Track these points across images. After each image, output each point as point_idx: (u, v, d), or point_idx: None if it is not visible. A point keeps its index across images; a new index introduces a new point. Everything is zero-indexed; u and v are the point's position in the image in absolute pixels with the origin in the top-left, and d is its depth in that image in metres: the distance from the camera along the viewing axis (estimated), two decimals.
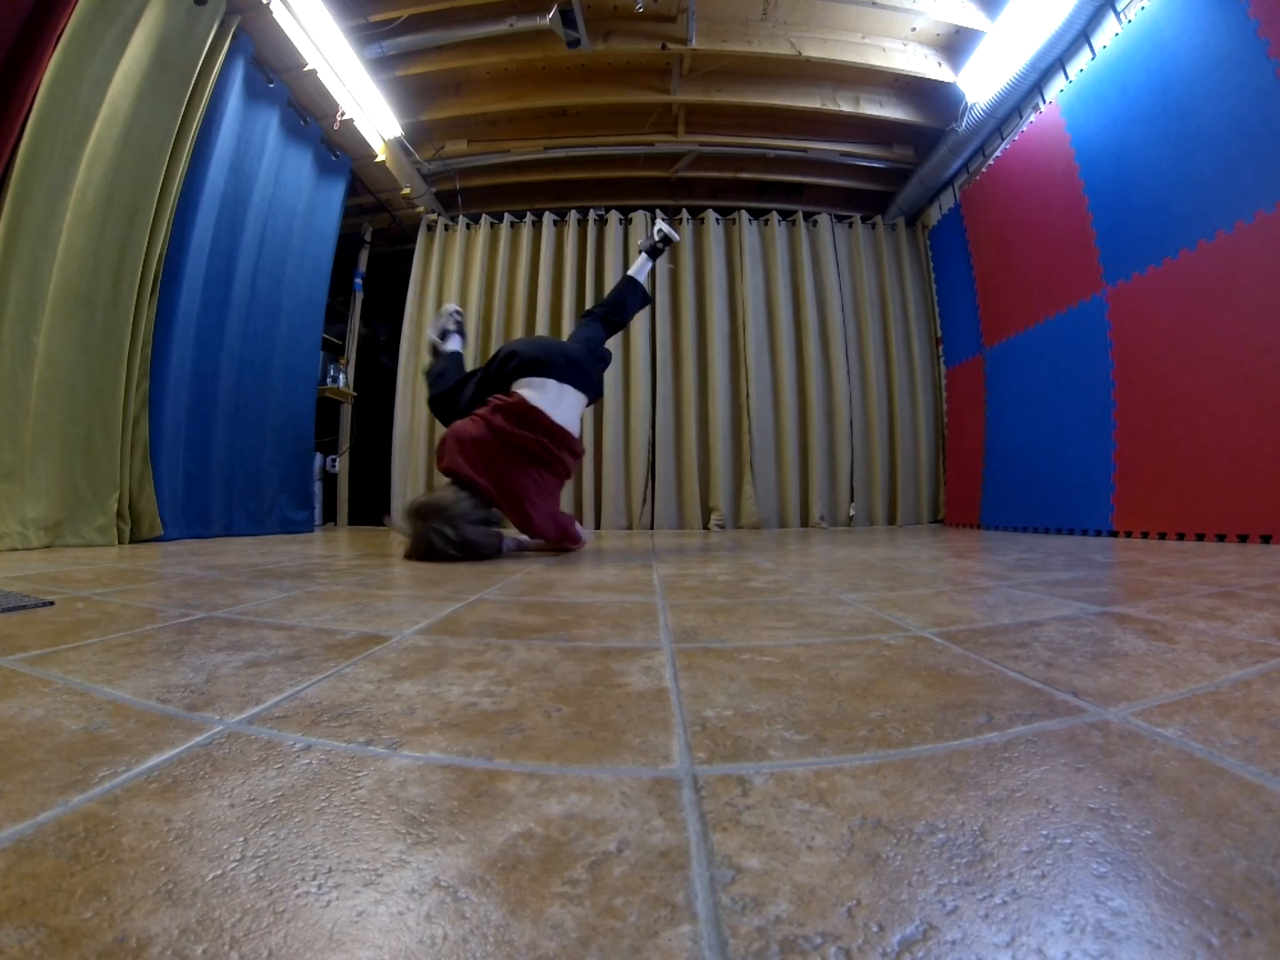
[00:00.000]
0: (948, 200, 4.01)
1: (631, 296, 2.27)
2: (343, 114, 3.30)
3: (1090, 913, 0.23)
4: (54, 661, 0.60)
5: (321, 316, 3.54)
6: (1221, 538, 2.00)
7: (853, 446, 4.09)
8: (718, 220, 4.25)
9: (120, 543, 2.18)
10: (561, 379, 1.86)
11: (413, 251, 4.37)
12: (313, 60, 2.93)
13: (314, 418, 3.51)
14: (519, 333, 4.15)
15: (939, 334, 4.22)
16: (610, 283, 4.15)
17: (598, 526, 3.97)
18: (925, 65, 3.33)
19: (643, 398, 4.03)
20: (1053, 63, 2.96)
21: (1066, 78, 2.88)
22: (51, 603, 0.91)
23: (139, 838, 0.29)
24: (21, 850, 0.28)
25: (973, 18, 3.07)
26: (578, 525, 1.99)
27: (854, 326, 4.22)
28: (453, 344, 2.25)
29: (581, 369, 1.94)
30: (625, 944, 0.22)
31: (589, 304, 4.15)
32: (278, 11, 2.66)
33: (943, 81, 3.36)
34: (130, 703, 0.48)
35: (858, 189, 4.23)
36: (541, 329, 4.14)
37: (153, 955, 0.21)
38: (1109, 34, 2.58)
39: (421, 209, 4.26)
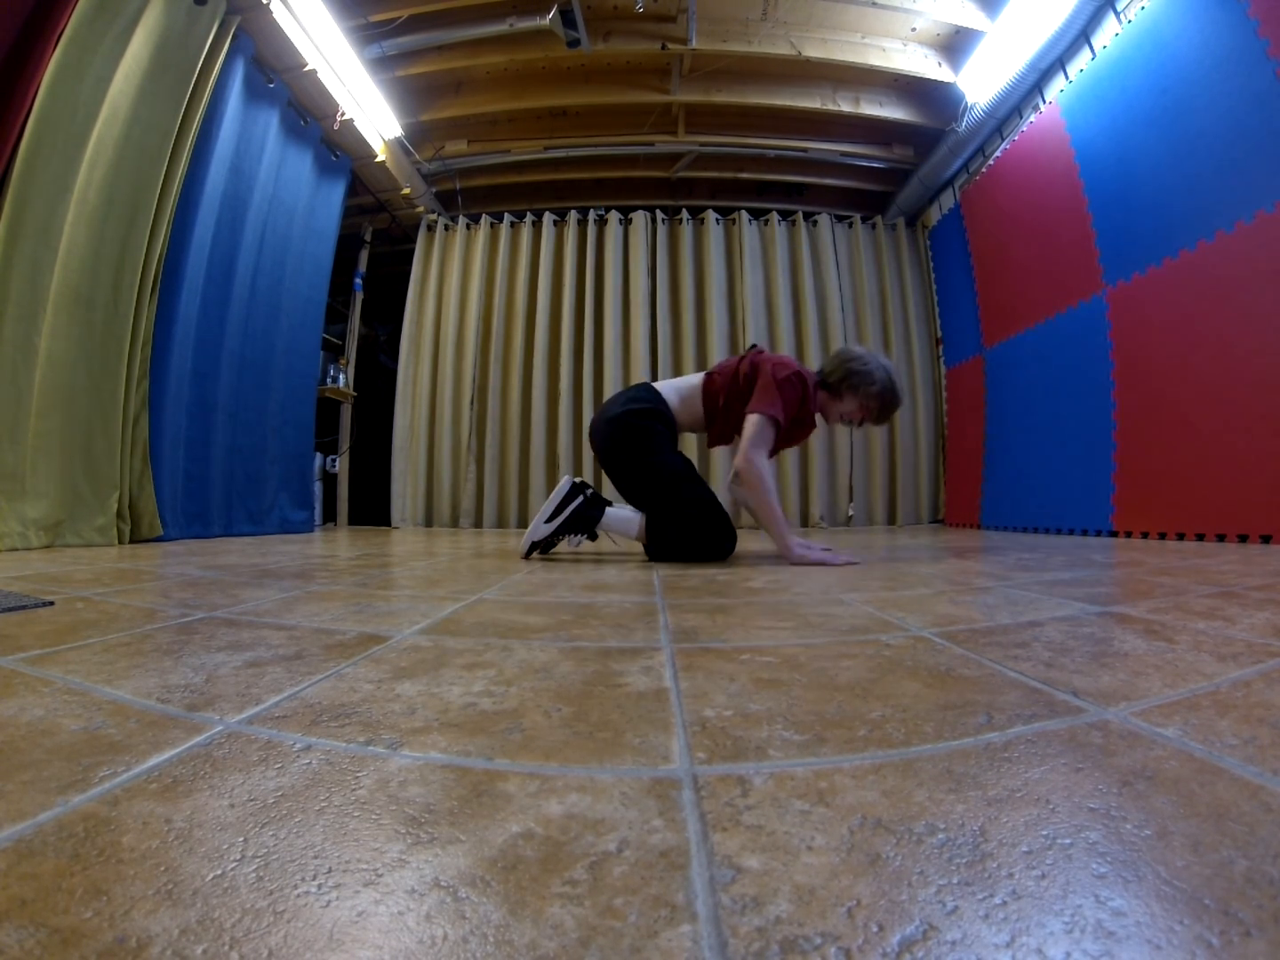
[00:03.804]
0: (948, 200, 4.01)
1: None
2: (343, 114, 3.30)
3: (1090, 913, 0.23)
4: (54, 661, 0.60)
5: (321, 316, 3.54)
6: (1221, 538, 2.00)
7: (852, 446, 4.10)
8: (718, 220, 4.25)
9: (120, 543, 2.18)
10: None
11: (413, 251, 4.38)
12: (313, 60, 2.93)
13: (314, 418, 3.51)
14: (519, 334, 4.16)
15: (939, 334, 4.22)
16: (609, 282, 4.16)
17: None
18: (925, 65, 3.34)
19: None
20: (1053, 63, 2.96)
21: (1066, 78, 2.88)
22: (51, 603, 0.91)
23: (139, 838, 0.29)
24: (21, 850, 0.28)
25: (973, 18, 3.07)
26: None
27: (854, 326, 4.22)
28: None
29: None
30: (625, 944, 0.22)
31: (589, 304, 4.16)
32: (278, 11, 2.66)
33: (943, 81, 3.36)
34: (130, 703, 0.48)
35: (858, 189, 4.23)
36: (541, 329, 4.14)
37: (153, 955, 0.21)
38: (1109, 34, 2.58)
39: (421, 209, 4.26)
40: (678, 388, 1.82)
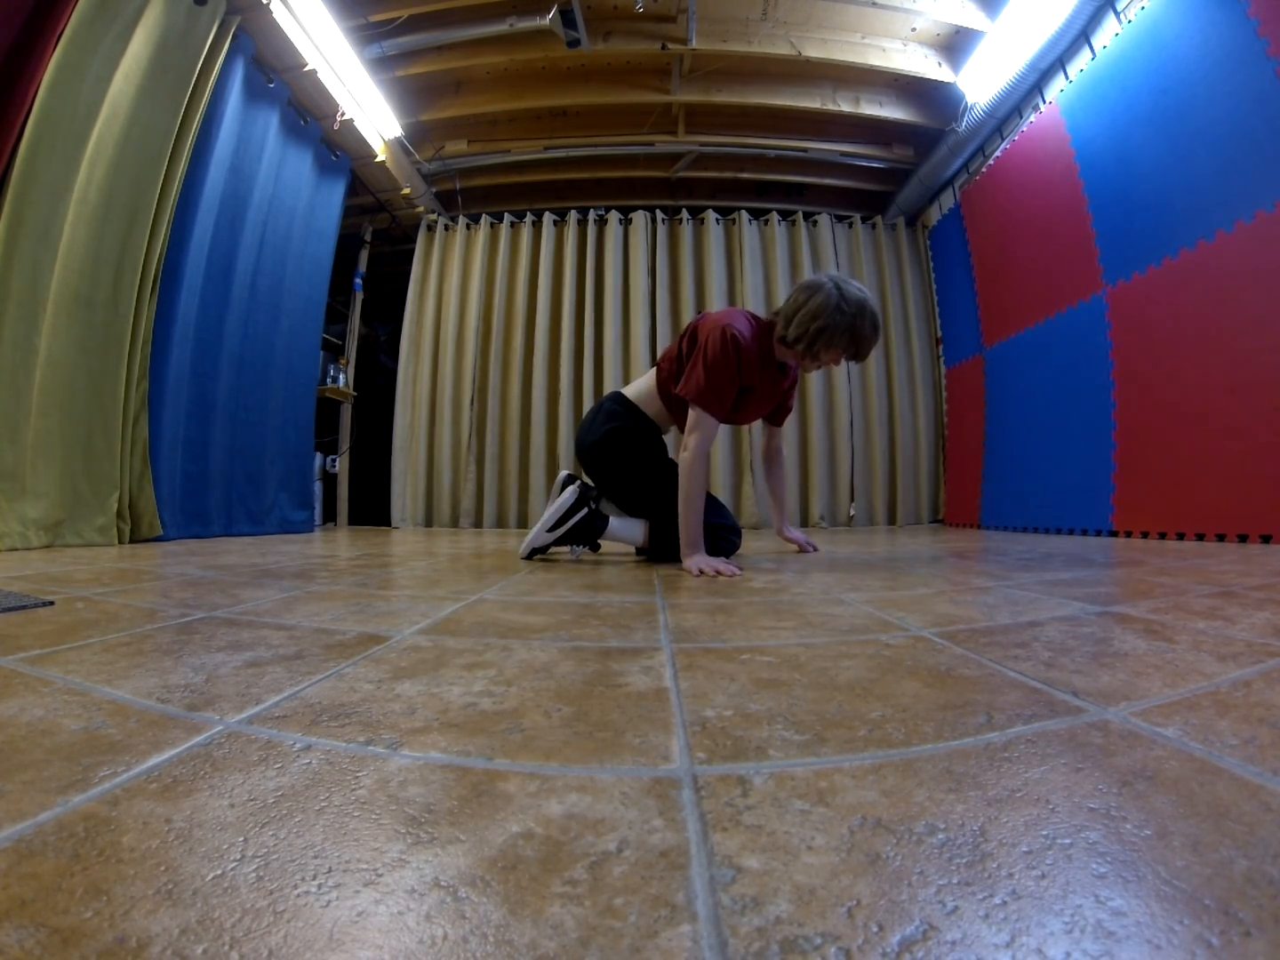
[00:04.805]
0: (948, 200, 4.01)
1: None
2: (343, 114, 3.30)
3: (1090, 913, 0.23)
4: (54, 661, 0.60)
5: (321, 316, 3.54)
6: (1221, 538, 2.00)
7: (853, 446, 4.09)
8: (718, 220, 4.25)
9: (120, 543, 2.18)
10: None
11: (413, 251, 4.37)
12: (313, 60, 2.93)
13: (314, 418, 3.51)
14: (519, 334, 4.15)
15: (939, 334, 4.22)
16: (609, 282, 4.15)
17: None
18: (925, 65, 3.33)
19: None
20: (1053, 63, 2.96)
21: (1066, 78, 2.88)
22: (51, 603, 0.91)
23: (139, 838, 0.29)
24: (21, 850, 0.28)
25: (973, 18, 3.07)
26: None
27: None
28: None
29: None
30: (625, 944, 0.22)
31: (589, 304, 4.15)
32: (278, 11, 2.66)
33: (943, 81, 3.36)
34: (130, 703, 0.48)
35: (858, 189, 4.23)
36: (541, 329, 4.14)
37: (153, 955, 0.21)
38: (1109, 34, 2.58)
39: (421, 209, 4.26)
40: (640, 391, 1.76)
